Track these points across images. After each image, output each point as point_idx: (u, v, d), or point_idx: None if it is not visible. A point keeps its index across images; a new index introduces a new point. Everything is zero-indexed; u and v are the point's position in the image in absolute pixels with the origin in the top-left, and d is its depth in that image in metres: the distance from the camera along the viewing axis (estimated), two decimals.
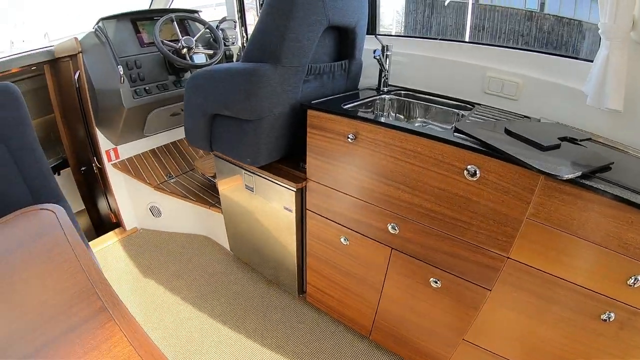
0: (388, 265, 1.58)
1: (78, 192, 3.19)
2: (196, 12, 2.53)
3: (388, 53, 1.90)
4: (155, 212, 2.71)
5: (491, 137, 1.19)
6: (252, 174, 1.91)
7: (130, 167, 2.65)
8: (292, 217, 1.83)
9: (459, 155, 1.20)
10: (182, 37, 2.22)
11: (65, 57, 2.31)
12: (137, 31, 2.29)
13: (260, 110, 1.57)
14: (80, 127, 2.56)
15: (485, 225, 1.22)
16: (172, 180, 2.64)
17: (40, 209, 1.10)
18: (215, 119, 1.82)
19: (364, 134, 1.42)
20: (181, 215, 2.62)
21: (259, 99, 1.54)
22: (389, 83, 2.00)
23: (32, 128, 1.70)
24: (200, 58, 2.35)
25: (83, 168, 2.89)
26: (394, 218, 1.46)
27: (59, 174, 3.54)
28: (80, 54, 2.19)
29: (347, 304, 1.87)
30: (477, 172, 1.17)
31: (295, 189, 1.74)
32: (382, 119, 1.71)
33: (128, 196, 2.74)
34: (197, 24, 2.49)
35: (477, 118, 1.51)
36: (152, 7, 2.95)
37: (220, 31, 2.51)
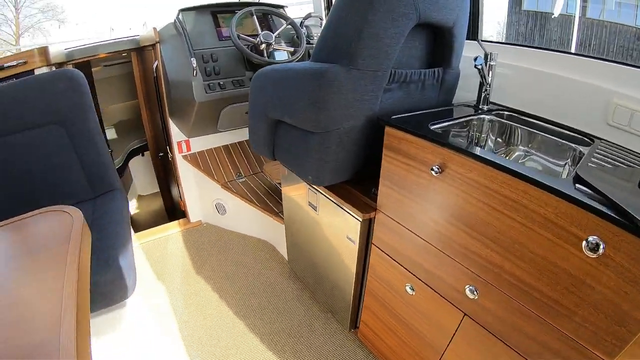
0: (456, 331, 1.27)
1: (155, 175, 3.29)
2: (281, 7, 2.38)
3: (492, 63, 1.48)
4: (220, 209, 2.63)
5: (628, 198, 0.81)
6: (316, 192, 1.69)
7: (200, 161, 2.60)
8: (354, 248, 1.57)
9: (579, 218, 0.83)
10: (262, 32, 2.07)
11: (148, 46, 2.30)
12: (217, 24, 2.19)
13: (327, 122, 1.29)
14: (158, 115, 2.56)
15: (593, 318, 0.87)
16: (240, 180, 2.53)
17: (61, 210, 0.99)
18: (278, 125, 1.60)
19: (452, 168, 1.08)
20: (245, 217, 2.51)
21: (326, 109, 1.27)
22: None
23: (94, 115, 1.70)
24: (281, 55, 2.18)
25: (160, 154, 2.93)
26: (474, 280, 1.14)
27: (142, 155, 3.78)
28: (158, 44, 2.17)
29: (400, 356, 1.59)
30: (601, 246, 0.80)
31: (361, 219, 1.46)
32: (479, 149, 1.40)
33: (195, 189, 2.71)
34: (281, 19, 2.31)
35: (602, 160, 1.09)
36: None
37: (304, 28, 2.33)
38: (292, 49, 2.17)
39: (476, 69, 1.46)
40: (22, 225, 0.98)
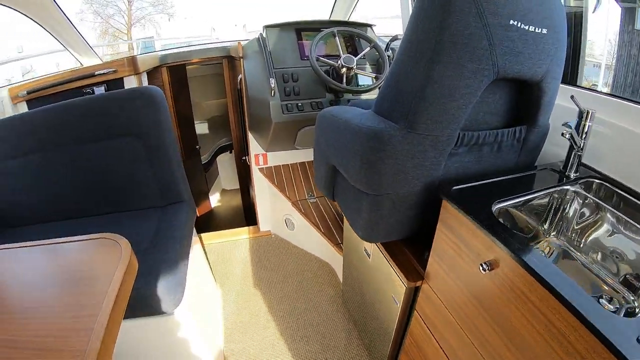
0: None
1: (236, 174, 3.45)
2: (368, 25, 2.29)
3: (589, 124, 1.14)
4: (289, 224, 2.62)
5: None
6: None
7: (276, 175, 2.61)
8: (396, 308, 1.45)
9: None
10: (345, 53, 2.00)
11: (237, 57, 2.34)
12: (301, 42, 2.16)
13: (379, 187, 1.15)
14: (240, 124, 2.63)
15: None
16: (311, 200, 2.50)
17: (113, 239, 1.01)
18: (337, 170, 1.48)
19: (505, 270, 0.88)
20: (310, 237, 2.48)
21: (378, 173, 1.11)
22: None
23: (169, 132, 1.75)
24: (365, 80, 2.11)
25: (243, 158, 3.00)
26: None
27: (230, 152, 4.10)
28: (242, 59, 2.19)
29: None
30: None
31: (406, 286, 1.33)
32: (553, 236, 1.21)
33: (268, 201, 2.73)
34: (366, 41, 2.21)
35: None
36: (332, 18, 2.85)
37: (390, 51, 2.18)
38: (374, 75, 2.07)
39: (566, 131, 1.17)
40: (73, 248, 1.01)
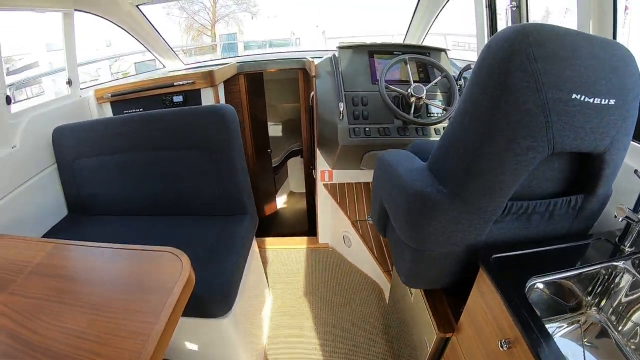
0: None
1: (304, 179, 3.52)
2: (442, 50, 2.24)
3: None
4: (347, 241, 2.63)
5: None
6: None
7: (339, 192, 2.64)
8: (426, 352, 1.44)
9: None
10: (416, 80, 1.98)
11: (310, 74, 2.38)
12: (373, 65, 2.15)
13: (421, 243, 1.15)
14: (311, 134, 2.68)
15: None
16: (370, 221, 2.48)
17: (176, 255, 1.10)
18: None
19: (520, 354, 0.85)
20: (364, 258, 2.47)
21: (422, 232, 1.11)
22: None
23: (239, 149, 1.83)
24: (434, 109, 2.08)
25: (311, 167, 3.06)
26: None
27: (301, 157, 4.06)
28: (315, 78, 2.22)
29: None
30: None
31: (437, 335, 1.31)
32: (594, 310, 1.12)
33: (330, 215, 2.76)
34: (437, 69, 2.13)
35: None
36: (407, 39, 2.83)
37: (462, 80, 2.11)
38: (443, 107, 2.01)
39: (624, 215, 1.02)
40: (142, 256, 1.13)
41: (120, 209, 2.01)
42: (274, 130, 4.55)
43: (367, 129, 2.03)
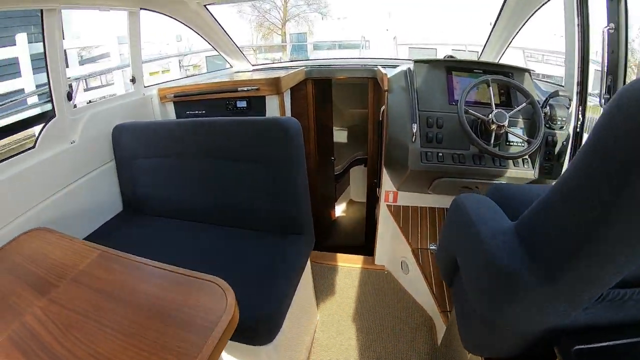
0: None
1: (366, 189, 3.35)
2: (526, 71, 2.00)
3: None
4: (404, 267, 2.44)
5: None
6: None
7: (402, 215, 2.45)
8: None
9: None
10: (497, 103, 1.77)
11: (382, 86, 2.23)
12: (451, 83, 1.95)
13: (493, 316, 0.97)
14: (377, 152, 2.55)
15: None
16: (433, 250, 2.27)
17: (222, 288, 1.04)
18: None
19: None
20: (421, 289, 2.27)
21: (496, 308, 0.94)
22: None
23: (301, 166, 1.72)
24: (515, 139, 1.85)
25: (375, 180, 2.88)
26: None
27: (364, 166, 4.01)
28: (386, 92, 2.06)
29: None
30: None
31: None
32: None
33: (389, 237, 2.58)
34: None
35: None
36: (482, 55, 2.60)
37: (548, 108, 1.83)
38: (526, 138, 1.77)
39: None
40: (189, 283, 1.08)
41: (174, 212, 2.00)
42: (339, 135, 4.41)
43: (441, 154, 1.85)
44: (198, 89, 2.38)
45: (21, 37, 6.21)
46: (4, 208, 1.53)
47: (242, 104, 2.33)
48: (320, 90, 3.00)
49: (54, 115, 1.80)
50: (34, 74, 6.13)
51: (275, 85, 2.24)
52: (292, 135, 1.65)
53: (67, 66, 1.88)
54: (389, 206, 2.48)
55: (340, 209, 4.29)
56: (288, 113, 2.51)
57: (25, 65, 6.19)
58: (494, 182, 1.87)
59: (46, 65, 1.74)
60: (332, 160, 3.68)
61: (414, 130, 1.81)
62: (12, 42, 6.19)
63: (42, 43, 1.70)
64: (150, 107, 2.45)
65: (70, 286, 1.06)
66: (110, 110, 2.13)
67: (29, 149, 1.71)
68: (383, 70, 2.24)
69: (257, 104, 2.32)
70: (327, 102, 3.39)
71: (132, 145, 2.03)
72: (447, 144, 1.86)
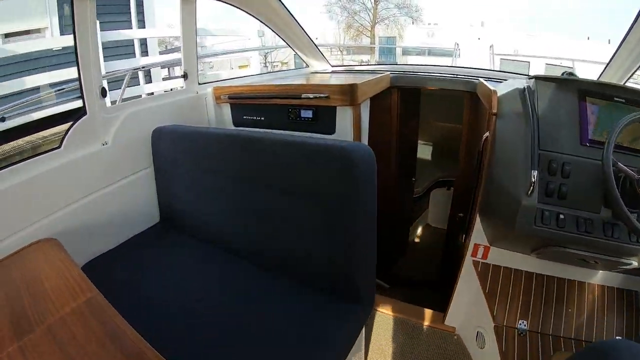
0: None
1: (447, 214, 2.82)
2: None
3: None
4: (479, 339, 1.92)
5: None
6: None
7: (491, 277, 1.89)
8: None
9: None
10: None
11: (487, 107, 1.73)
12: (584, 114, 1.38)
13: None
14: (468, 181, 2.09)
15: None
16: (521, 331, 1.71)
17: None
18: None
19: None
20: None
21: None
22: None
23: (366, 207, 1.33)
24: None
25: (460, 214, 2.35)
26: None
27: (448, 189, 3.42)
28: (494, 116, 1.55)
29: None
30: None
31: None
32: None
33: (468, 296, 2.04)
34: None
35: None
36: (603, 75, 1.95)
37: None
38: None
39: None
40: None
41: (208, 236, 1.81)
42: (422, 151, 3.83)
43: (562, 215, 1.30)
44: (254, 91, 2.05)
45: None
46: (24, 211, 1.46)
47: (307, 114, 1.93)
48: (407, 101, 2.53)
49: (85, 113, 1.67)
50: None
51: (349, 94, 1.80)
52: (361, 170, 1.26)
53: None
54: (475, 262, 1.94)
55: (414, 233, 3.76)
56: (365, 128, 2.06)
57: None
58: (623, 260, 1.32)
59: (76, 57, 1.58)
60: (412, 182, 3.19)
61: (533, 179, 1.27)
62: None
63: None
64: (203, 109, 2.20)
65: (44, 338, 0.95)
66: (153, 110, 1.96)
67: (54, 148, 1.61)
68: (490, 86, 1.73)
69: (325, 115, 1.90)
70: (414, 115, 2.91)
71: (170, 151, 1.85)
72: (572, 202, 1.31)
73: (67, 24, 6.65)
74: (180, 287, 1.52)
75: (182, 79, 2.16)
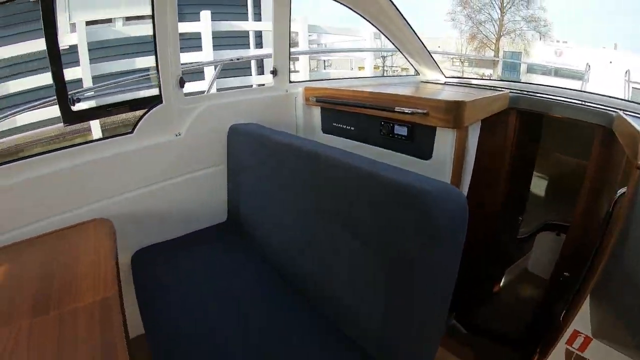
0: None
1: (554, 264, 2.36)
2: None
3: None
4: None
5: None
6: None
7: None
8: None
9: None
10: None
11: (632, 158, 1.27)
12: None
13: None
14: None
15: None
16: None
17: None
18: None
19: None
20: None
21: None
22: None
23: (448, 260, 1.01)
24: None
25: (565, 274, 1.92)
26: None
27: (558, 235, 2.79)
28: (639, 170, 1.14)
29: None
30: None
31: None
32: None
33: None
34: None
35: None
36: None
37: None
38: None
39: None
40: None
41: (263, 250, 1.65)
42: (535, 184, 3.29)
43: None
44: (344, 97, 1.82)
45: (205, 15, 6.64)
46: (87, 188, 1.50)
47: (401, 130, 1.64)
48: (526, 126, 2.13)
49: (160, 102, 1.65)
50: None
51: (453, 113, 1.46)
52: (445, 225, 0.95)
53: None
54: (568, 352, 1.49)
55: (509, 277, 3.25)
56: (471, 154, 1.70)
57: (207, 41, 6.68)
58: None
59: (154, 44, 1.57)
60: (518, 220, 2.76)
61: None
62: (197, 19, 6.65)
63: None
64: (291, 110, 2.06)
65: (52, 324, 0.93)
66: (234, 105, 1.87)
67: (126, 133, 1.61)
68: (635, 125, 1.29)
69: (422, 135, 1.59)
70: (533, 143, 2.49)
71: (244, 152, 1.75)
72: None
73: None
74: (216, 296, 1.40)
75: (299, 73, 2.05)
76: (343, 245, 1.20)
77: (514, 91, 2.04)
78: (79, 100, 1.49)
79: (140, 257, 1.63)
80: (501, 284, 3.02)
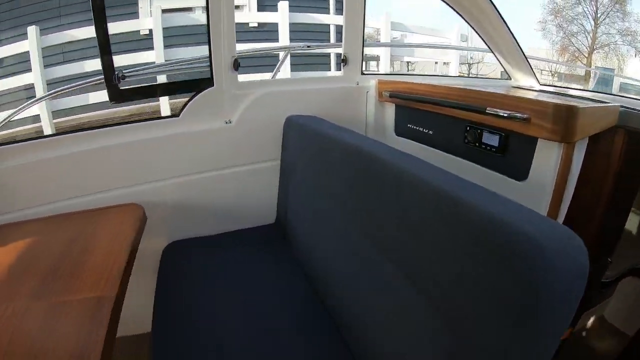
0: None
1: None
2: None
3: None
4: None
5: None
6: None
7: None
8: None
9: None
10: None
11: None
12: None
13: None
14: None
15: None
16: None
17: None
18: None
19: None
20: None
21: None
22: None
23: (555, 330, 0.69)
24: None
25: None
26: None
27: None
28: None
29: None
30: None
31: None
32: None
33: None
34: None
35: None
36: None
37: None
38: None
39: None
40: None
41: (306, 268, 1.41)
42: (630, 220, 2.88)
43: None
44: (422, 92, 1.58)
45: (283, 5, 6.89)
46: (125, 170, 1.45)
47: (491, 139, 1.35)
48: (635, 150, 1.77)
49: (212, 84, 1.55)
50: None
51: (563, 122, 1.14)
52: (557, 286, 0.64)
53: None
54: None
55: (583, 324, 2.86)
56: (573, 180, 1.37)
57: (284, 33, 6.93)
58: None
59: (207, 19, 1.45)
60: (607, 261, 2.36)
61: None
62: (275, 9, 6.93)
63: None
64: (362, 105, 1.87)
65: (46, 311, 0.88)
66: (296, 94, 1.71)
67: (172, 116, 1.55)
68: None
69: (519, 148, 1.29)
70: (638, 171, 2.12)
71: (295, 147, 1.57)
72: None
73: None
74: (239, 308, 1.23)
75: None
76: (393, 287, 0.93)
77: (624, 106, 1.71)
78: (124, 78, 1.43)
79: (172, 250, 1.53)
80: (573, 328, 2.67)
